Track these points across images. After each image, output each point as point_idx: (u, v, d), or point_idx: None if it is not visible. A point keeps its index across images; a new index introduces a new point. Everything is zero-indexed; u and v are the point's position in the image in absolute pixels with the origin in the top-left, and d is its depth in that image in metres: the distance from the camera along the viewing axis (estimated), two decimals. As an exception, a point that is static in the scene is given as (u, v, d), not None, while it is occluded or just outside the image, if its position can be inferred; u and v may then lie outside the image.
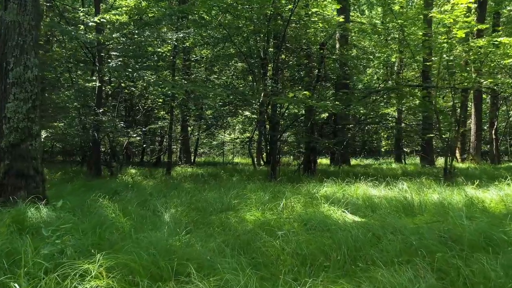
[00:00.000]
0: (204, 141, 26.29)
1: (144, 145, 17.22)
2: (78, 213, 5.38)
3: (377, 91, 13.29)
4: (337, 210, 5.60)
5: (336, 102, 10.11)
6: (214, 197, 6.37)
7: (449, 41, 10.09)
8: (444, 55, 9.73)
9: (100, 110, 12.70)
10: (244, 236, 4.20)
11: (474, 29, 9.81)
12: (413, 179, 11.19)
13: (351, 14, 19.93)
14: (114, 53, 12.19)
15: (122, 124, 13.46)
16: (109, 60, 11.40)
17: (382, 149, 30.98)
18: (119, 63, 11.21)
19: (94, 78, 14.13)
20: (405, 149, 27.13)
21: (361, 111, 11.21)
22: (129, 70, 11.48)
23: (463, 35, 9.99)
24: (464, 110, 16.10)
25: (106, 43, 12.51)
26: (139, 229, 4.46)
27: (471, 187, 7.86)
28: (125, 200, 6.73)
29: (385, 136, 27.48)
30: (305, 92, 9.12)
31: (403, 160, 25.07)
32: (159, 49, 15.29)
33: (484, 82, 10.20)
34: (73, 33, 10.76)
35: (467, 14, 9.81)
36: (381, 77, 20.63)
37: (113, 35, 11.71)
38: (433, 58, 10.64)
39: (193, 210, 5.71)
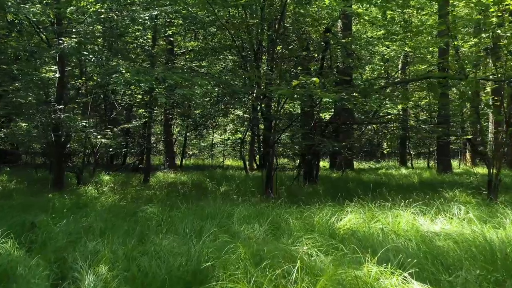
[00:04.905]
0: (193, 142, 24.05)
1: (110, 149, 14.72)
2: None
3: (406, 81, 10.78)
4: (392, 276, 3.12)
5: (354, 94, 7.68)
6: (174, 248, 3.73)
7: (500, 14, 7.69)
8: (498, 31, 7.31)
9: (61, 107, 10.25)
10: None
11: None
12: (442, 192, 8.84)
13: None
14: (74, 36, 9.73)
15: (84, 123, 10.93)
16: (59, 42, 8.87)
17: (385, 151, 28.52)
18: (73, 44, 8.67)
19: (54, 68, 11.68)
20: (411, 152, 24.69)
21: (387, 105, 8.79)
22: (85, 53, 8.91)
23: (520, 6, 7.61)
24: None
25: (66, 27, 10.09)
26: None
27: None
28: (38, 243, 4.20)
29: (388, 136, 25.04)
30: (313, 79, 6.71)
31: (410, 164, 22.65)
32: (134, 33, 12.92)
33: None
34: (9, 3, 8.19)
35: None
36: (389, 70, 18.25)
37: (67, 10, 9.16)
38: (483, 37, 8.21)
39: (131, 279, 3.13)
